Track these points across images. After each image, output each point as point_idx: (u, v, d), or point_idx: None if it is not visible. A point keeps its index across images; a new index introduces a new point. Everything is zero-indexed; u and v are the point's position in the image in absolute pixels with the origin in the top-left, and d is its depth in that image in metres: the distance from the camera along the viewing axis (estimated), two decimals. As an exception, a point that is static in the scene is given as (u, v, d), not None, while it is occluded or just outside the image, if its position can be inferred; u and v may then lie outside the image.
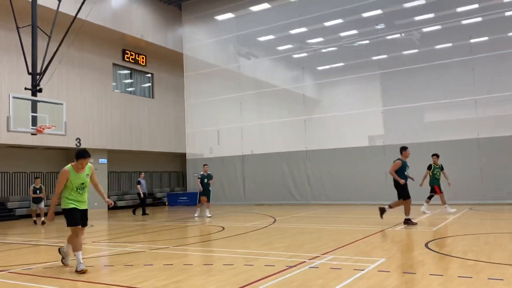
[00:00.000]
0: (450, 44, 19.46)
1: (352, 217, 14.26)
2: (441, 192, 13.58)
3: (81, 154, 6.56)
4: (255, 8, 23.00)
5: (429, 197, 13.86)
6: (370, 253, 7.18)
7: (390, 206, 11.22)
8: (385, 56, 20.84)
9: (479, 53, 17.96)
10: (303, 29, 22.35)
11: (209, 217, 15.14)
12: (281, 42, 23.66)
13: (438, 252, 7.00)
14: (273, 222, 13.00)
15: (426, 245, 7.75)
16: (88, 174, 6.68)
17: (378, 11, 20.28)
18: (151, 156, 25.87)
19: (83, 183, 6.62)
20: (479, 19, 18.65)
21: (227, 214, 16.95)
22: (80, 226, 6.58)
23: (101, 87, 21.84)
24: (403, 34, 19.85)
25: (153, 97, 24.85)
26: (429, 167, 13.74)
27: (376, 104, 20.17)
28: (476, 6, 18.54)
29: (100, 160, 21.99)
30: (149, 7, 23.41)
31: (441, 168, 13.67)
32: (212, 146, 24.12)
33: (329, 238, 9.23)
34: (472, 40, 18.42)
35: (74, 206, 6.54)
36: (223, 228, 11.81)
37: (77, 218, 6.54)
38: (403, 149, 11.21)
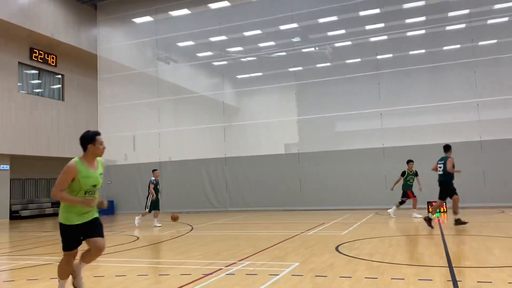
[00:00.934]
0: (359, 59, 20.86)
1: (268, 223, 14.57)
2: (414, 196, 13.98)
3: (95, 132, 4.92)
4: (174, 13, 22.74)
5: (400, 202, 14.15)
6: (285, 258, 7.40)
7: (431, 212, 11.15)
8: (300, 68, 21.75)
9: (384, 68, 19.46)
10: (223, 37, 22.54)
11: (159, 226, 14.14)
12: (201, 48, 23.63)
13: (347, 255, 7.42)
14: (190, 230, 12.87)
15: (336, 248, 8.17)
16: (101, 174, 5.01)
17: (294, 25, 21.12)
18: (60, 162, 24.20)
19: (95, 185, 4.82)
20: (385, 37, 20.21)
21: (142, 222, 16.44)
22: (75, 251, 4.90)
23: (4, 87, 20.11)
24: (317, 48, 20.88)
25: (63, 100, 23.41)
26: (403, 174, 14.00)
27: (291, 114, 20.92)
28: (382, 25, 20.08)
29: (1, 166, 20.20)
30: (61, 4, 22.09)
31: (415, 174, 13.98)
32: (127, 153, 23.26)
33: (246, 244, 9.35)
34: (379, 57, 19.90)
35: (74, 221, 4.70)
36: (138, 238, 11.44)
37: (72, 241, 4.80)
38: (450, 147, 11.32)
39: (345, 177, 19.00)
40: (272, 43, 22.31)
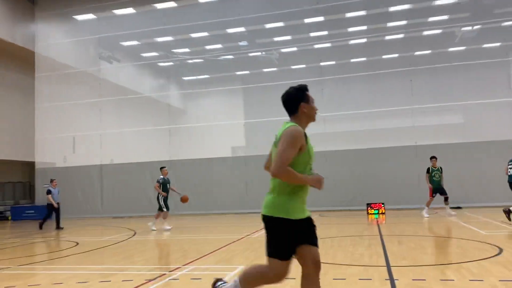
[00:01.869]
0: (304, 65, 21.36)
1: (214, 227, 14.51)
2: (432, 196, 13.99)
3: (303, 86, 3.58)
4: (118, 12, 22.07)
5: (446, 199, 14.07)
6: (230, 261, 7.41)
7: None
8: (247, 72, 21.90)
9: (328, 75, 20.05)
10: (169, 38, 22.21)
11: (168, 229, 13.28)
12: (146, 48, 23.14)
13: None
14: (133, 235, 12.53)
15: (281, 250, 8.28)
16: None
17: (242, 29, 21.23)
18: (-8, 164, 22.76)
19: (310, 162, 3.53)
20: (328, 44, 20.84)
21: (82, 228, 15.81)
22: (288, 262, 3.48)
23: None
24: (263, 53, 21.13)
25: (-5, 98, 21.97)
26: (428, 170, 14.16)
27: (238, 117, 21.01)
28: (326, 33, 20.69)
29: None
30: (-6, -3, 20.76)
31: (440, 171, 14.02)
32: (66, 155, 22.24)
33: (190, 248, 9.26)
34: (322, 63, 20.48)
35: (298, 215, 3.37)
36: (77, 243, 10.97)
37: (293, 244, 3.41)
38: None
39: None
40: (219, 45, 22.29)
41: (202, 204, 20.32)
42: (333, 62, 21.03)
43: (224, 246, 9.25)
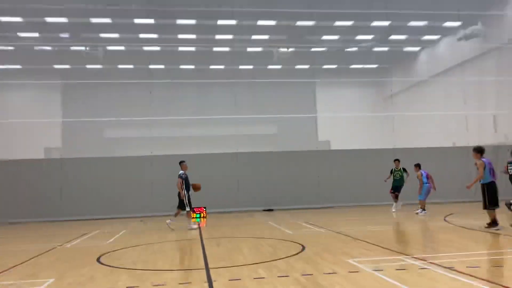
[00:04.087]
0: (131, 66, 20.79)
1: (17, 237, 12.92)
2: (391, 192, 15.75)
3: None
4: None
5: (396, 197, 15.73)
6: (37, 275, 6.70)
7: None
8: (68, 66, 20.25)
9: (157, 78, 19.94)
10: (-29, 18, 19.00)
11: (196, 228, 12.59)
12: None
13: (110, 266, 7.21)
14: None
15: (98, 259, 7.84)
16: None
17: (64, 19, 19.47)
18: None
19: None
20: (158, 48, 20.74)
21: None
22: None
23: None
24: (88, 48, 19.76)
25: None
26: (391, 171, 15.64)
27: (55, 115, 19.23)
28: (155, 36, 20.55)
29: None
30: None
31: (402, 171, 15.52)
32: None
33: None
34: (151, 66, 20.26)
35: None
36: None
37: None
38: None
39: (111, 185, 18.42)
40: (35, 34, 20.04)
41: (7, 211, 17.79)
42: (162, 66, 21.00)
43: (31, 258, 8.30)
